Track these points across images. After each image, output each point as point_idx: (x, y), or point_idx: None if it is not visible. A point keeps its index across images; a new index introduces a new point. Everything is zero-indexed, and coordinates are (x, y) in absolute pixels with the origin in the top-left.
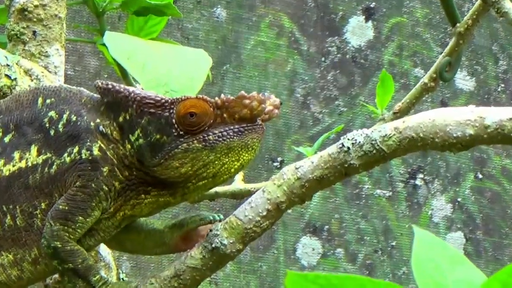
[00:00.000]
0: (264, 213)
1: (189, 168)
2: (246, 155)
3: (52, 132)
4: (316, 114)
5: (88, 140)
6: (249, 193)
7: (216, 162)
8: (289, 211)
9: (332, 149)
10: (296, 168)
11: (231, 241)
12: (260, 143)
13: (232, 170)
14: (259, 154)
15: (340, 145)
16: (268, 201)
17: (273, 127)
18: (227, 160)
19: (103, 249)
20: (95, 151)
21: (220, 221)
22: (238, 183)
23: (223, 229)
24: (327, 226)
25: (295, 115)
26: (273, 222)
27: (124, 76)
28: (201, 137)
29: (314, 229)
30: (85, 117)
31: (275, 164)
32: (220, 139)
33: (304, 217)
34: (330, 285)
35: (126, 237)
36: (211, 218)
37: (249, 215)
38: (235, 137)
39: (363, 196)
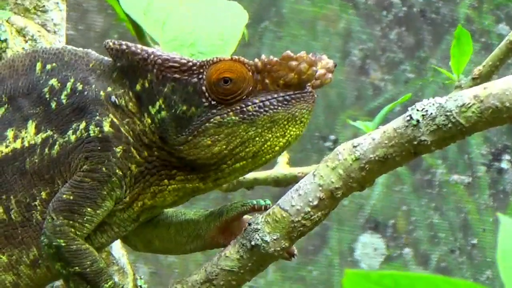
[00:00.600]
0: (315, 203)
1: (224, 147)
2: (293, 129)
3: (53, 105)
4: (377, 82)
5: (98, 114)
6: (296, 179)
7: (257, 138)
8: (345, 201)
9: (398, 122)
10: (354, 147)
11: (274, 238)
12: (310, 114)
13: (276, 148)
14: (307, 130)
15: (408, 118)
16: (320, 188)
17: (324, 97)
18: (270, 136)
19: (117, 249)
20: (106, 127)
21: (266, 208)
22: (282, 167)
23: (264, 223)
24: (392, 221)
25: (351, 83)
26: (326, 213)
27: (140, 35)
28: (238, 108)
29: (376, 225)
30: (94, 86)
31: (327, 144)
32: (262, 110)
33: (364, 210)
34: (397, 286)
35: (153, 234)
36: (255, 203)
37: (297, 205)
38: (279, 108)
39: (436, 183)
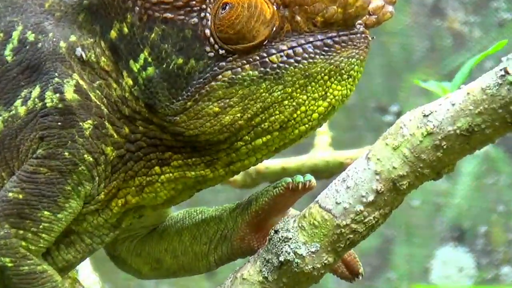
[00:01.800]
0: (371, 198)
1: (238, 115)
2: (338, 87)
3: None
4: (458, 27)
5: (56, 74)
6: (342, 168)
7: (286, 102)
8: (416, 201)
9: (488, 80)
10: (425, 116)
11: (312, 250)
12: (362, 66)
13: (314, 115)
14: (359, 98)
15: (502, 73)
16: (377, 177)
17: (382, 50)
18: (304, 97)
19: (87, 273)
20: (69, 93)
21: (307, 187)
22: (323, 150)
23: (298, 229)
24: (483, 228)
25: (419, 30)
26: (387, 214)
27: None
28: (258, 58)
29: (461, 234)
30: (51, 34)
31: (386, 118)
32: (291, 60)
33: (443, 213)
34: None
35: (160, 247)
36: (289, 180)
37: (344, 203)
38: (317, 56)
39: None
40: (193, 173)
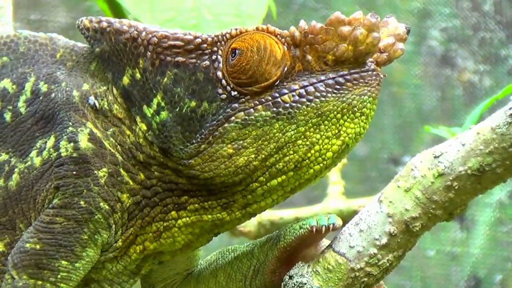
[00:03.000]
0: (384, 241)
1: (252, 156)
2: (351, 125)
3: (7, 117)
4: (469, 77)
5: (70, 124)
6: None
7: (299, 141)
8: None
9: (497, 119)
10: (436, 157)
11: None
12: (374, 103)
13: (328, 154)
14: (371, 150)
15: (511, 112)
16: (390, 219)
17: (394, 101)
18: (318, 136)
19: None
20: (83, 142)
21: (331, 229)
22: (336, 199)
23: (312, 273)
24: (499, 277)
25: (430, 79)
26: (401, 256)
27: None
28: (270, 98)
29: (477, 283)
30: (64, 84)
31: (399, 169)
32: (303, 99)
33: (459, 262)
34: None
35: None
36: (314, 223)
37: (358, 246)
38: (329, 95)
39: None
40: (209, 216)
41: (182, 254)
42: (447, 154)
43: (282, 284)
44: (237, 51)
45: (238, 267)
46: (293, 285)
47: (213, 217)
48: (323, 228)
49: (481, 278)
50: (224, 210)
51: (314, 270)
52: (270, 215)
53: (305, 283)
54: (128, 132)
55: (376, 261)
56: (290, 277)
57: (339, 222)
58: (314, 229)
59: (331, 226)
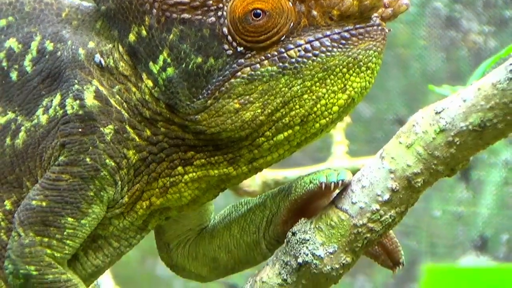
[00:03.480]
0: (386, 197)
1: (259, 111)
2: (357, 79)
3: (13, 76)
4: (474, 37)
5: (76, 81)
6: None
7: (305, 96)
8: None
9: (499, 75)
10: (437, 113)
11: (330, 251)
12: (380, 57)
13: (334, 108)
14: (376, 111)
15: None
16: (392, 175)
17: (399, 62)
18: (324, 90)
19: (110, 286)
20: (89, 100)
21: (339, 184)
22: (340, 159)
23: (315, 230)
24: (506, 237)
25: (435, 40)
26: (403, 211)
27: None
28: (276, 53)
29: (484, 243)
30: (70, 42)
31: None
32: (309, 54)
33: (465, 222)
34: (483, 281)
35: (213, 246)
36: (323, 180)
37: (360, 202)
38: (334, 50)
39: None
40: (216, 171)
41: (188, 210)
42: (448, 110)
43: (285, 240)
44: (264, 13)
45: (251, 219)
46: (296, 241)
47: (219, 172)
48: (332, 185)
49: (487, 238)
50: (230, 165)
51: (317, 226)
52: (274, 175)
53: (308, 240)
54: (134, 89)
55: (379, 217)
56: (293, 234)
57: (348, 177)
58: (324, 186)
59: (340, 182)
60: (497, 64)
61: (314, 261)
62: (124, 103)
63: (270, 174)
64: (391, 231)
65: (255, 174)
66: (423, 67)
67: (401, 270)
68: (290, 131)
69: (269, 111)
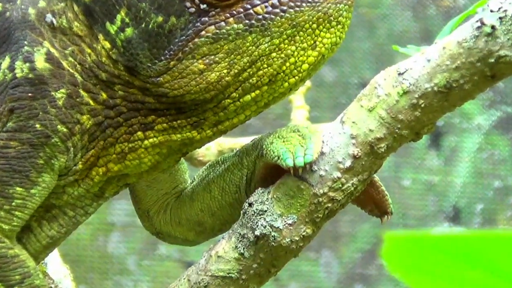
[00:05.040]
0: (348, 164)
1: (225, 71)
2: (328, 35)
3: None
4: None
5: (26, 43)
6: None
7: (274, 54)
8: (406, 180)
9: (464, 33)
10: (400, 74)
11: (289, 222)
12: (350, 11)
13: (304, 66)
14: (339, 74)
15: (478, 24)
16: (354, 140)
17: (362, 22)
18: (293, 48)
19: (56, 266)
20: (40, 62)
21: (299, 170)
22: (300, 123)
23: (273, 200)
24: (480, 206)
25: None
26: (365, 179)
27: None
28: (242, 10)
29: (457, 213)
30: (18, 1)
31: None
32: (277, 10)
33: (436, 191)
34: (447, 249)
35: (195, 210)
36: (289, 163)
37: (320, 170)
38: (303, 5)
39: None
40: (179, 135)
41: (148, 176)
42: (412, 71)
43: (242, 212)
44: None
45: (230, 179)
46: (253, 212)
47: (182, 137)
48: (300, 170)
49: (461, 208)
50: (194, 128)
51: (275, 196)
52: (231, 143)
53: (266, 211)
54: (88, 50)
55: (340, 186)
56: (250, 205)
57: (316, 154)
58: (292, 171)
59: (307, 166)
60: (465, 22)
61: (273, 233)
62: (78, 66)
63: (227, 142)
64: (377, 179)
65: (219, 136)
66: (390, 28)
67: (388, 221)
68: (257, 92)
69: (236, 71)
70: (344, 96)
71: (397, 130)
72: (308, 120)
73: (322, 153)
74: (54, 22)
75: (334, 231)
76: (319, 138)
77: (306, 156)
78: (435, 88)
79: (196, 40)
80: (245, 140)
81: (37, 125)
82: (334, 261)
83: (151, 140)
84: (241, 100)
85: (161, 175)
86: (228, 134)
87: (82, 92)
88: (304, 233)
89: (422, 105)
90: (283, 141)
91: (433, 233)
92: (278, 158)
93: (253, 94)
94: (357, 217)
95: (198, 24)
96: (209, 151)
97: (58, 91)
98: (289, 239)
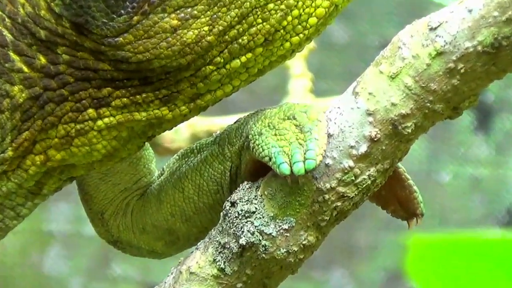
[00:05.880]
0: (363, 149)
1: (205, 29)
2: None
3: None
4: None
5: None
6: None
7: (271, 6)
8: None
9: None
10: (432, 29)
11: (285, 227)
12: None
13: (311, 21)
14: (354, 32)
15: None
16: (371, 118)
17: None
18: None
19: None
20: None
21: (299, 179)
22: (300, 98)
23: (264, 197)
24: None
25: None
26: (388, 169)
27: None
28: None
29: None
30: None
31: None
32: None
33: (485, 184)
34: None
35: (165, 213)
36: (284, 170)
37: (327, 158)
38: None
39: None
40: (144, 114)
41: (101, 167)
42: (448, 25)
43: (222, 213)
44: None
45: (209, 174)
46: (237, 214)
47: (148, 115)
48: (300, 179)
49: None
50: (164, 104)
51: (266, 193)
52: (208, 124)
53: (254, 212)
54: (21, 0)
55: (353, 178)
56: (233, 204)
57: (321, 156)
58: (289, 180)
59: (309, 175)
60: None
61: (263, 242)
62: (7, 20)
63: (202, 124)
64: (403, 169)
65: (197, 114)
66: None
67: (418, 225)
68: (249, 55)
69: (220, 28)
70: (360, 61)
71: (428, 104)
72: (312, 93)
73: (329, 135)
74: None
75: (348, 243)
76: (323, 128)
77: (308, 162)
78: (479, 48)
79: None
80: (226, 121)
81: None
82: (348, 282)
83: (106, 120)
84: (227, 66)
85: (118, 165)
86: (204, 113)
87: (12, 55)
88: (304, 242)
89: (462, 71)
90: (275, 134)
91: (478, 237)
92: (270, 159)
93: (243, 59)
94: (378, 223)
95: None
96: (178, 135)
97: None
98: (284, 250)
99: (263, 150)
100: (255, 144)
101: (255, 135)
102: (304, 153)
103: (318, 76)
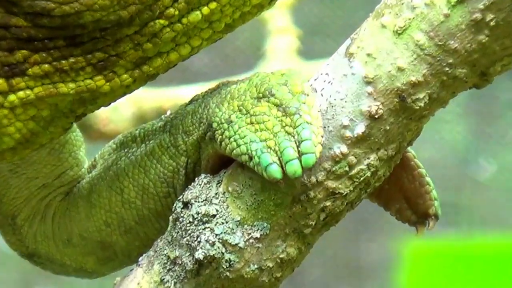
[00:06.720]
0: (360, 129)
1: None
2: None
3: None
4: None
5: None
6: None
7: None
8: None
9: None
10: None
11: (257, 235)
12: None
13: None
14: None
15: None
16: (370, 86)
17: None
18: None
19: None
20: None
21: (295, 182)
22: (284, 60)
23: (228, 196)
24: None
25: None
26: (394, 156)
27: None
28: None
29: None
30: None
31: None
32: None
33: None
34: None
35: (96, 222)
36: (274, 172)
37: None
38: None
39: None
40: (71, 85)
41: (14, 157)
42: None
43: (171, 217)
44: None
45: (157, 172)
46: (191, 219)
47: (77, 87)
48: (297, 185)
49: None
50: (99, 72)
51: (230, 190)
52: (158, 99)
53: (214, 215)
54: None
55: (347, 169)
56: (186, 205)
57: (320, 146)
58: (282, 185)
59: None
60: None
61: (227, 256)
62: None
63: (149, 99)
64: (412, 155)
65: (143, 84)
66: None
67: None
68: (213, 5)
69: None
70: (361, 13)
71: (446, 68)
72: (299, 55)
73: (318, 111)
74: None
75: (356, 258)
76: (314, 103)
77: (305, 157)
78: None
79: None
80: (182, 93)
81: None
82: None
83: (21, 93)
84: (183, 20)
85: (35, 154)
86: (154, 83)
87: None
88: (282, 255)
89: (492, 23)
90: (251, 123)
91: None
92: (250, 159)
93: (205, 10)
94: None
95: None
96: (117, 115)
97: None
98: (256, 266)
99: (238, 145)
100: (223, 137)
101: (222, 123)
102: (298, 146)
103: (309, 32)
